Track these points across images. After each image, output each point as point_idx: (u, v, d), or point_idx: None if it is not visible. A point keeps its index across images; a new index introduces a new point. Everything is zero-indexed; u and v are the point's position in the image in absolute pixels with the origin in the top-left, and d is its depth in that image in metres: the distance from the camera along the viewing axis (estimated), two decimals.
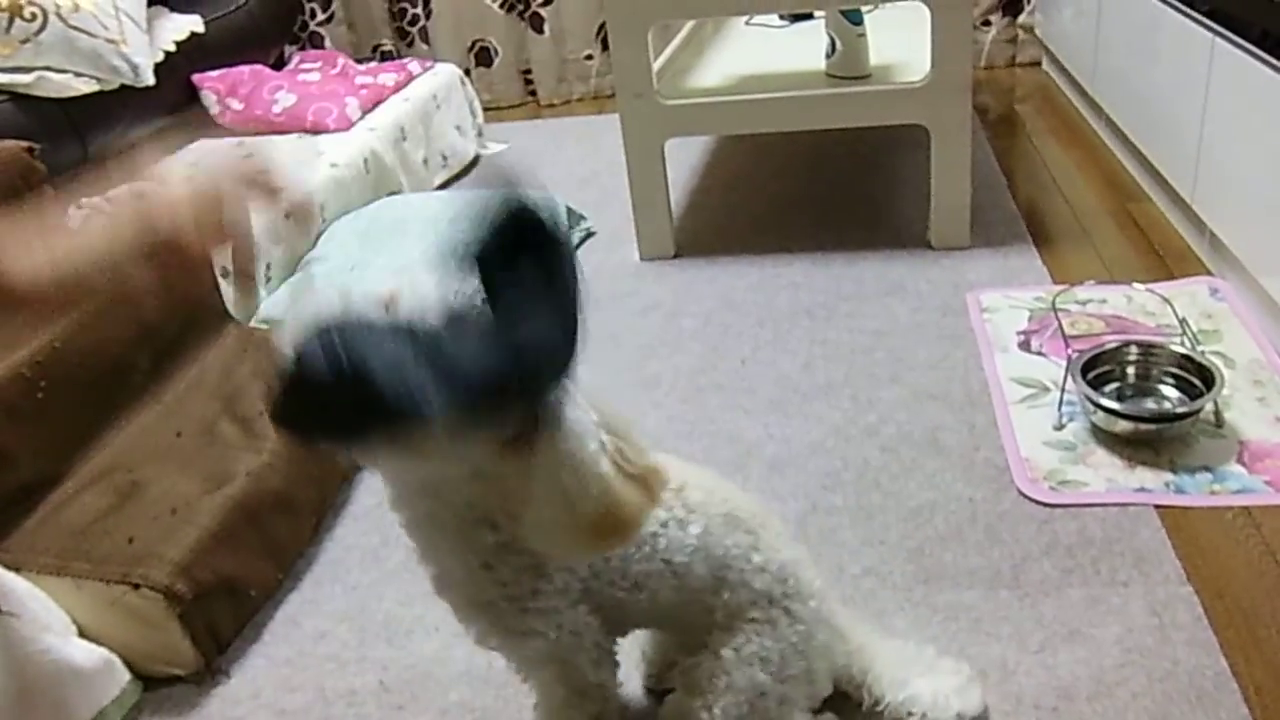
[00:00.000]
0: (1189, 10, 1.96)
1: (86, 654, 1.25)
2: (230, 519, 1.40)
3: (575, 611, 0.98)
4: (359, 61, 3.12)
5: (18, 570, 1.28)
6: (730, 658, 1.02)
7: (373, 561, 1.51)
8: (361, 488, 1.66)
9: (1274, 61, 1.64)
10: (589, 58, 3.52)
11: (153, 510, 1.39)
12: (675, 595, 1.02)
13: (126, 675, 1.30)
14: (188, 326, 1.71)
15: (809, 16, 2.66)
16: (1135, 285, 1.91)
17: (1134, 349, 1.65)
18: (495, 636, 0.99)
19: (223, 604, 1.36)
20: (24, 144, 1.73)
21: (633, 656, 1.21)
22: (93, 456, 1.49)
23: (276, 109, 2.60)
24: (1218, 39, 1.82)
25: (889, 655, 1.16)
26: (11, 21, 2.11)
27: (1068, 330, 1.79)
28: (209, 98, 2.61)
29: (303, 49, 3.50)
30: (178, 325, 1.69)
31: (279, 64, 3.03)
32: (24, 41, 2.12)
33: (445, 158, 2.90)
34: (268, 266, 2.09)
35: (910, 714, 1.12)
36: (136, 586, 1.28)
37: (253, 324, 1.95)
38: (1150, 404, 1.61)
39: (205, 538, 1.35)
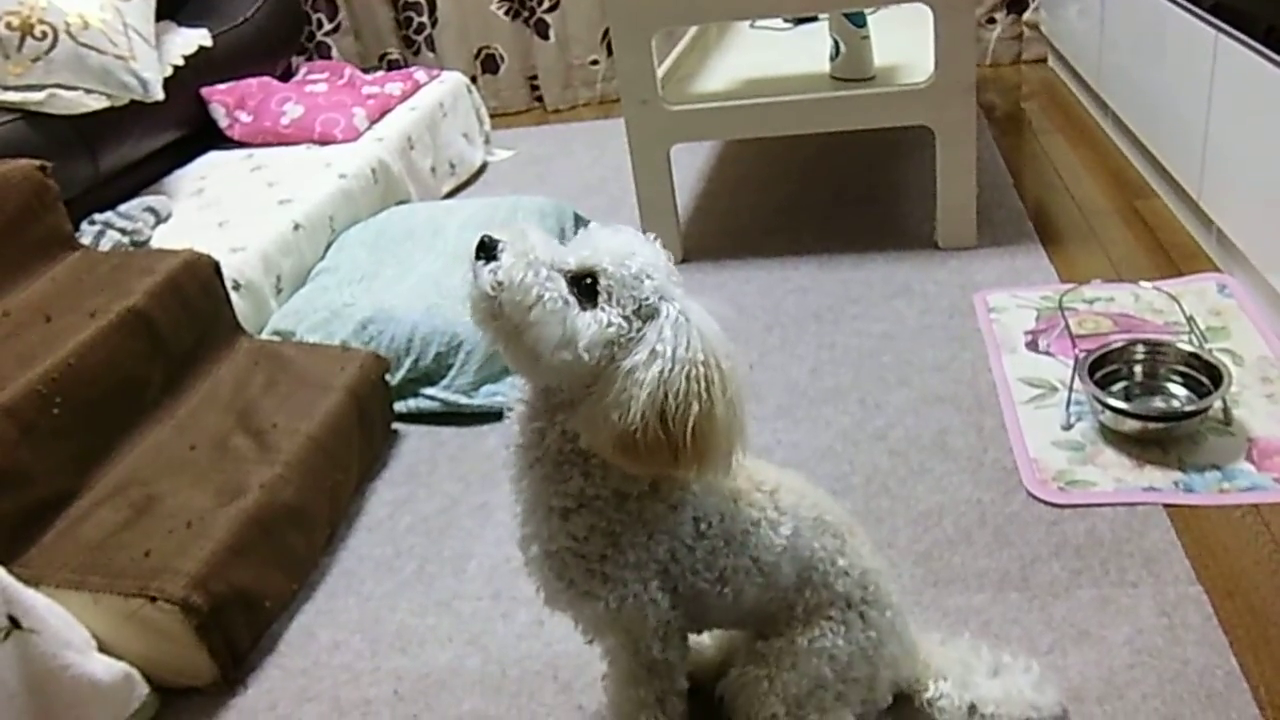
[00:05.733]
0: (1192, 7, 1.95)
1: (106, 669, 1.26)
2: (245, 531, 1.42)
3: (645, 588, 0.99)
4: (366, 71, 3.14)
5: (37, 585, 1.29)
6: (802, 646, 1.06)
7: (386, 572, 1.52)
8: (374, 499, 1.68)
9: (1278, 58, 1.64)
10: (594, 63, 3.54)
11: (168, 524, 1.41)
12: (759, 593, 1.05)
13: (145, 688, 1.31)
14: (200, 340, 1.73)
15: (813, 19, 2.67)
16: (1142, 283, 1.91)
17: (1141, 348, 1.65)
18: (561, 594, 1.01)
19: (238, 616, 1.38)
20: (37, 162, 1.76)
21: None
22: (108, 471, 1.51)
23: (284, 121, 2.62)
24: (1221, 35, 1.82)
25: (950, 656, 1.18)
26: (23, 40, 2.13)
27: (1075, 329, 1.79)
28: (218, 110, 2.64)
29: (310, 59, 3.52)
30: (190, 339, 1.71)
31: (286, 75, 3.05)
32: (35, 60, 2.14)
33: (453, 166, 2.91)
34: (278, 278, 2.11)
35: (982, 715, 1.13)
36: (153, 599, 1.29)
37: (264, 336, 1.97)
38: (1158, 403, 1.61)
39: (220, 550, 1.37)
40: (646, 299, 0.91)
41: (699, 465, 0.91)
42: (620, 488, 0.97)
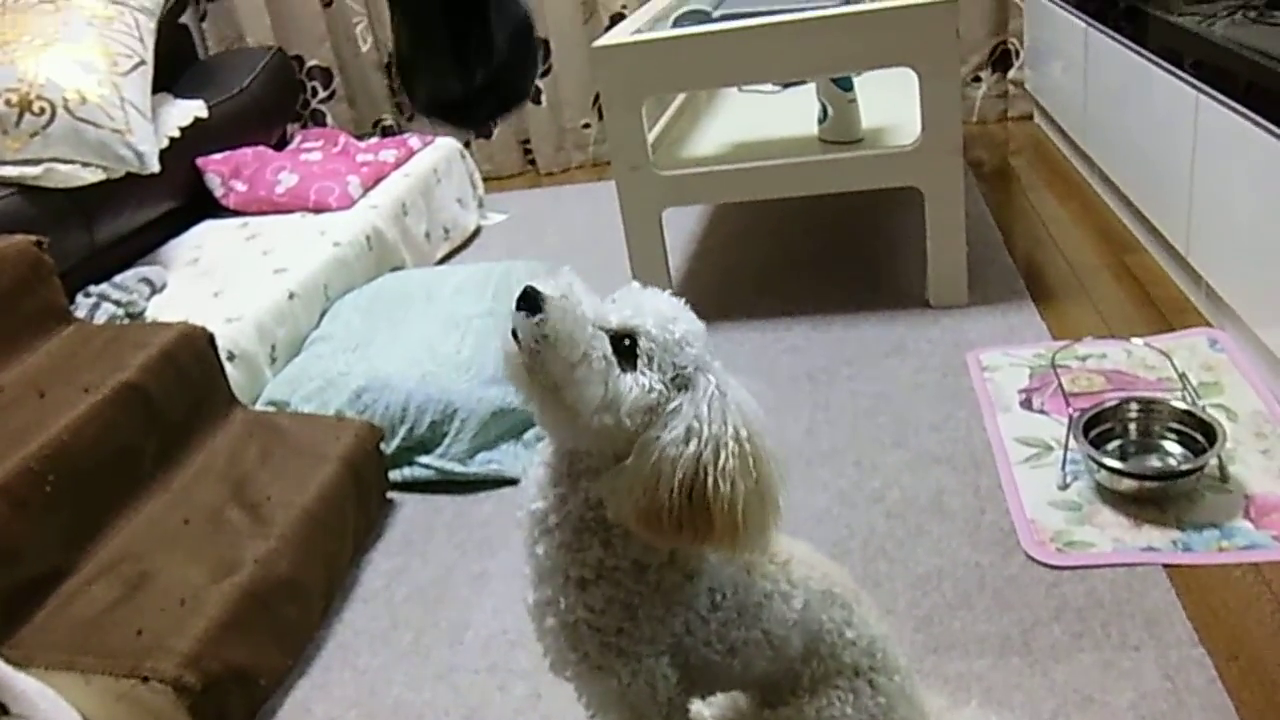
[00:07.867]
0: (1172, 67, 1.99)
1: None
2: (239, 607, 1.40)
3: (657, 662, 0.98)
4: (360, 138, 3.18)
5: (27, 666, 1.28)
6: (810, 715, 1.04)
7: (382, 645, 1.50)
8: (370, 569, 1.67)
9: (1256, 117, 1.67)
10: (586, 126, 3.58)
11: (161, 601, 1.40)
12: (768, 665, 1.03)
13: None
14: (194, 413, 1.73)
15: (801, 82, 2.71)
16: (1134, 340, 1.92)
17: (1134, 406, 1.66)
18: (571, 665, 0.99)
19: (232, 693, 1.36)
20: (33, 238, 1.77)
21: None
22: (101, 547, 1.50)
23: (279, 189, 2.64)
24: (1201, 95, 1.85)
25: None
26: (21, 116, 2.16)
27: (1068, 387, 1.79)
28: (213, 180, 2.66)
29: (305, 126, 3.56)
30: (185, 412, 1.70)
31: (281, 143, 3.08)
32: (33, 135, 2.16)
33: (447, 230, 2.93)
34: (273, 347, 2.11)
35: None
36: (146, 679, 1.28)
37: (259, 406, 1.96)
38: (1154, 461, 1.61)
39: (214, 627, 1.36)
40: (685, 368, 0.89)
41: (730, 543, 0.89)
42: (640, 558, 0.95)
